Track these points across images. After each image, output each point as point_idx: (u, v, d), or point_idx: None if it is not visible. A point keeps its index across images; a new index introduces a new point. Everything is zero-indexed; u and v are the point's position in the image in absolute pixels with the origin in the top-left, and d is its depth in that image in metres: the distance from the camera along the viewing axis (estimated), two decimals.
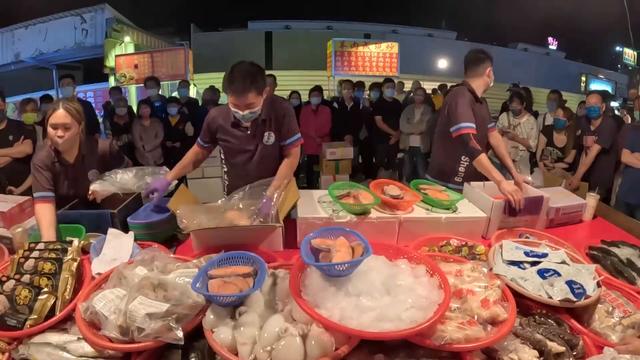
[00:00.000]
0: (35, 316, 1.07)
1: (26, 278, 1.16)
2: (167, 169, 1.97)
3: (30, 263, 1.21)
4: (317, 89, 4.90)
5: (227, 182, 2.11)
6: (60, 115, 1.69)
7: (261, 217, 1.63)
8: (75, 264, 1.22)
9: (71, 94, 4.12)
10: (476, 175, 2.13)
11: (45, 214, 1.62)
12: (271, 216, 1.63)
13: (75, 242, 1.31)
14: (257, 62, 1.76)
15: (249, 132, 1.88)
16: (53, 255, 1.24)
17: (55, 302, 1.12)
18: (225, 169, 2.07)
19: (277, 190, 1.71)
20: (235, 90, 1.67)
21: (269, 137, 1.89)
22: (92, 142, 1.91)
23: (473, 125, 2.05)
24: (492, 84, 2.19)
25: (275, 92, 5.02)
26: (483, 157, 1.98)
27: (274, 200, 1.66)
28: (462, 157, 2.22)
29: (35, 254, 1.25)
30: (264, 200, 1.67)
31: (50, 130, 1.70)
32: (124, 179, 1.88)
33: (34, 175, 1.75)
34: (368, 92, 5.67)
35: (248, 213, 1.66)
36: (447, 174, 2.27)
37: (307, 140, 5.02)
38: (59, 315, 1.10)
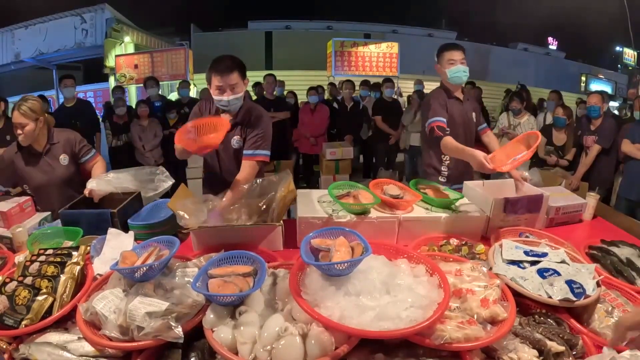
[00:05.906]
0: (32, 316, 1.07)
1: (29, 280, 1.16)
2: (164, 169, 1.97)
3: (35, 266, 1.23)
4: (313, 89, 4.92)
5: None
6: (15, 115, 1.88)
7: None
8: (78, 267, 1.22)
9: (72, 94, 4.13)
10: (460, 176, 2.17)
11: None
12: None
13: (82, 248, 1.33)
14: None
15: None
16: (58, 259, 1.25)
17: (53, 303, 1.12)
18: None
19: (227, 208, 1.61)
20: (220, 66, 1.68)
21: (237, 142, 1.88)
22: (57, 132, 2.09)
23: (441, 119, 2.09)
24: (453, 74, 2.15)
25: (276, 93, 5.07)
26: (447, 140, 1.98)
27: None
28: (444, 157, 2.24)
29: (42, 258, 1.27)
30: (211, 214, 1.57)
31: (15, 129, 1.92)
32: (121, 178, 1.88)
33: None
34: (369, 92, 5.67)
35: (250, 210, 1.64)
36: (431, 175, 2.30)
37: (302, 139, 5.04)
38: (55, 315, 1.10)
